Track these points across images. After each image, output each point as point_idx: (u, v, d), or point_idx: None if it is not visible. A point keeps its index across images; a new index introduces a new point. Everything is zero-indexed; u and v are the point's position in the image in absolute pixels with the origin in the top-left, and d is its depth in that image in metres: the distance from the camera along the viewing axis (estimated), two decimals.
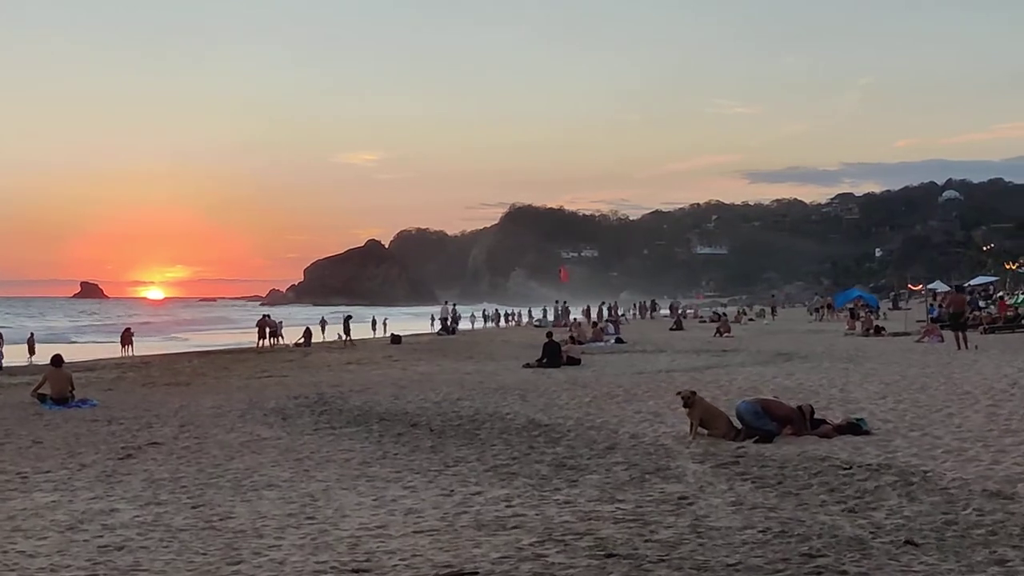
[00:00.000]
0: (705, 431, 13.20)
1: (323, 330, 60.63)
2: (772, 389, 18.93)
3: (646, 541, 7.79)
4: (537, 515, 8.83)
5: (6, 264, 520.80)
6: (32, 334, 48.76)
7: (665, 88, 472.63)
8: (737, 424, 13.10)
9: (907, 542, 7.59)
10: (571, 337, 32.72)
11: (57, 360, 21.90)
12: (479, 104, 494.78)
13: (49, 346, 43.54)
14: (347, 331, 50.48)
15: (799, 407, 13.50)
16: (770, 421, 12.88)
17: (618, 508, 9.02)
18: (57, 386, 20.72)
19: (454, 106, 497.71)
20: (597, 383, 21.74)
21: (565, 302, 77.37)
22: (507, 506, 9.26)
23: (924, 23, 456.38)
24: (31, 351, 43.54)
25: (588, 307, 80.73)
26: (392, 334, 55.51)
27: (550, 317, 75.73)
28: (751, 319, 72.41)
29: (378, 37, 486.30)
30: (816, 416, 13.45)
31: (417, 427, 15.27)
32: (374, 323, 73.55)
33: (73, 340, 66.52)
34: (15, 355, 39.40)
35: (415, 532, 8.34)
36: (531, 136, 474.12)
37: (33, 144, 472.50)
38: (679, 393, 13.94)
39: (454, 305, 72.98)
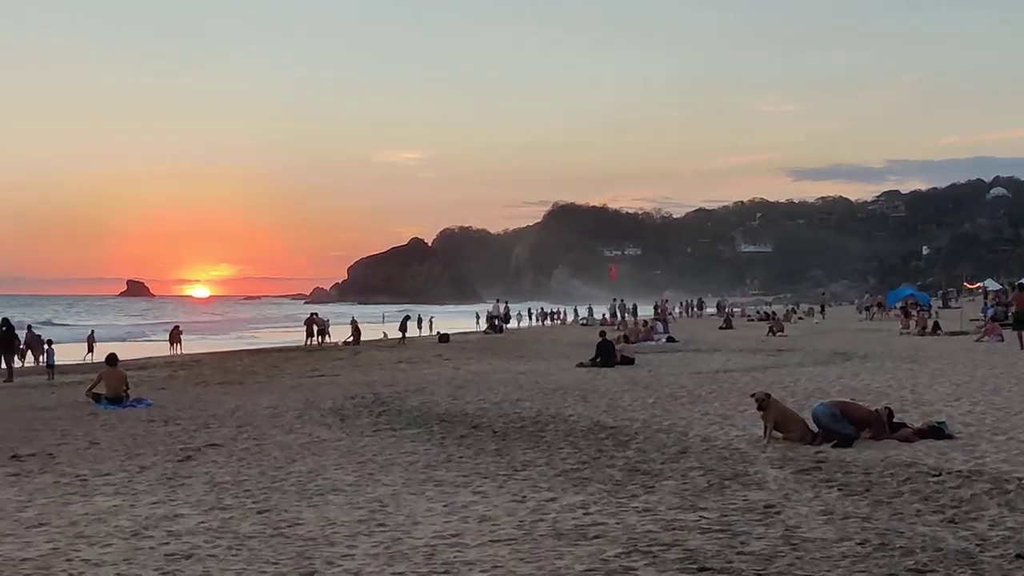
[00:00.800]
0: (780, 434, 12.75)
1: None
2: (839, 390, 18.46)
3: (738, 553, 7.38)
4: (617, 524, 8.45)
5: (53, 263, 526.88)
6: (93, 331, 48.92)
7: (706, 85, 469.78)
8: (813, 427, 12.63)
9: (1018, 556, 7.14)
10: (624, 336, 32.26)
11: (112, 359, 21.79)
12: (521, 102, 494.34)
13: (101, 345, 43.67)
14: (403, 328, 50.77)
15: (877, 410, 13.03)
16: (848, 424, 12.41)
17: (702, 517, 8.61)
18: (112, 385, 20.59)
19: (496, 105, 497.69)
20: (658, 384, 21.34)
21: (623, 300, 76.74)
22: (584, 513, 8.88)
23: (970, 19, 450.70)
24: (90, 349, 43.63)
25: (635, 305, 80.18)
26: (440, 332, 55.33)
27: (596, 316, 75.17)
28: (800, 317, 71.58)
29: (420, 37, 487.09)
30: (895, 419, 12.97)
31: (479, 429, 14.94)
32: (420, 321, 73.38)
33: (125, 339, 66.82)
34: (66, 354, 39.43)
35: (492, 541, 7.98)
36: (573, 134, 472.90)
37: (80, 145, 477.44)
38: (753, 395, 13.49)
39: (506, 303, 72.75)
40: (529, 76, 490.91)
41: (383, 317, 67.17)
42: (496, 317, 65.58)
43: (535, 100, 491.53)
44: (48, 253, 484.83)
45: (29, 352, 38.58)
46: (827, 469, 10.71)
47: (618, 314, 70.51)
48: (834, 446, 12.03)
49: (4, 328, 32.23)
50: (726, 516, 8.62)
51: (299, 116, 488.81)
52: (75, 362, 38.40)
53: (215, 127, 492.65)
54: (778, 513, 8.67)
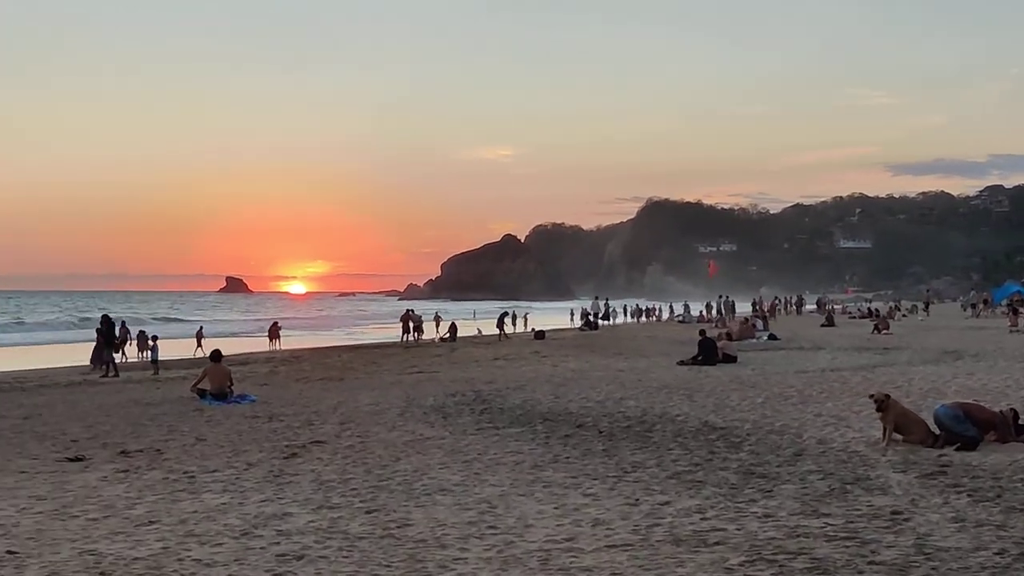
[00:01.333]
0: (899, 437, 12.28)
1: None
2: (956, 391, 17.86)
3: (870, 563, 7.03)
4: (738, 530, 8.13)
5: (155, 261, 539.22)
6: (202, 327, 49.87)
7: (802, 78, 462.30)
8: (934, 429, 12.14)
9: None
10: (726, 333, 31.72)
11: (216, 355, 22.02)
12: (614, 97, 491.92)
13: (207, 340, 44.33)
14: (500, 325, 51.07)
15: (1002, 411, 12.49)
16: (972, 426, 11.91)
17: (827, 524, 8.25)
18: (216, 381, 20.80)
19: (589, 100, 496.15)
20: (765, 383, 20.94)
21: (727, 296, 75.90)
22: (702, 518, 8.58)
23: None
24: (199, 344, 44.25)
25: (733, 302, 79.25)
26: (535, 329, 55.21)
27: (693, 312, 74.38)
28: (904, 315, 70.00)
29: (512, 32, 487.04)
30: (1020, 421, 12.42)
31: (584, 428, 14.71)
32: (515, 318, 73.30)
33: (232, 334, 67.86)
34: (173, 349, 40.09)
35: (608, 547, 7.73)
36: (666, 129, 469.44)
37: (177, 144, 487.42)
38: (871, 396, 13.03)
39: (606, 300, 72.43)
40: (624, 71, 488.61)
41: (473, 313, 67.32)
42: (595, 314, 65.65)
43: (629, 95, 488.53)
44: (150, 250, 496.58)
45: (131, 347, 39.36)
46: (953, 473, 10.27)
47: (722, 311, 69.68)
48: (958, 449, 11.56)
49: (103, 325, 32.88)
50: (852, 523, 8.26)
51: (392, 113, 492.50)
52: (179, 357, 39.01)
53: (311, 125, 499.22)
54: (907, 520, 8.29)
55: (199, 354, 41.58)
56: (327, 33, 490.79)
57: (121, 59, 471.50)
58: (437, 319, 60.47)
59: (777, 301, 78.22)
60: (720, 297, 74.78)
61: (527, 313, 77.77)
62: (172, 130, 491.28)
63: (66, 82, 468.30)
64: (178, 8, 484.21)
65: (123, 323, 41.80)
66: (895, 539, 7.67)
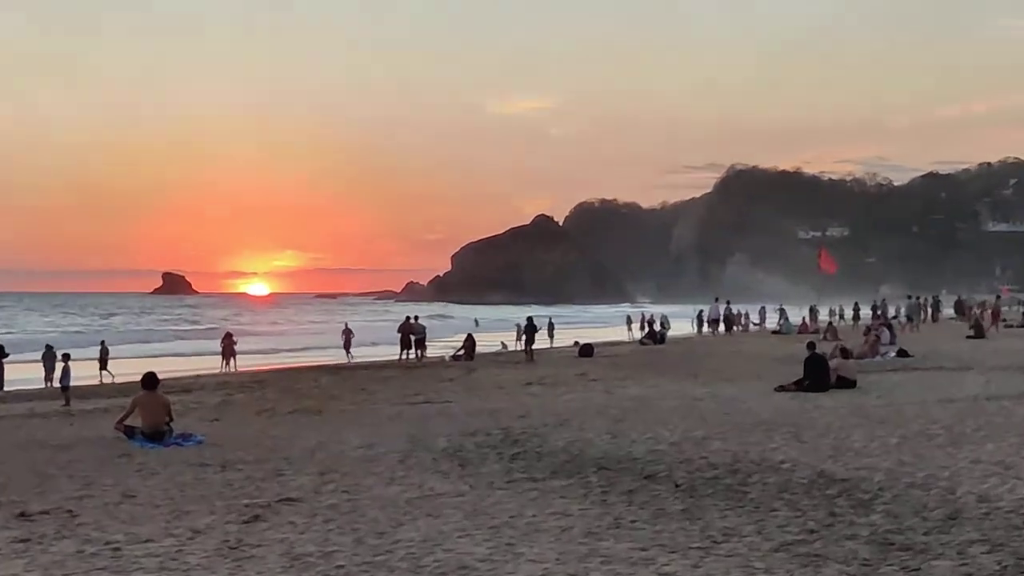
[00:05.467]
0: None
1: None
2: None
3: None
4: None
5: (68, 252, 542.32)
6: (104, 342, 48.59)
7: (937, 2, 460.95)
8: None
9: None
10: (842, 349, 31.27)
11: (150, 381, 21.82)
12: (681, 32, 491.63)
13: (125, 361, 44.30)
14: (522, 337, 50.38)
15: None
16: None
17: None
18: (150, 416, 20.67)
19: (648, 35, 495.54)
20: (898, 417, 20.75)
21: (884, 300, 76.44)
22: None
23: None
24: (103, 365, 43.98)
25: (857, 306, 79.30)
26: (579, 343, 55.03)
27: (794, 320, 74.24)
28: None
29: None
30: None
31: (655, 480, 14.55)
32: (551, 327, 73.25)
33: (158, 352, 68.06)
34: (84, 371, 40.10)
35: None
36: (753, 71, 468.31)
37: (93, 94, 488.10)
38: None
39: (728, 303, 73.01)
40: None
41: (474, 321, 67.96)
42: (716, 319, 70.37)
43: (700, 28, 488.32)
44: (56, 239, 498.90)
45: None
46: None
47: (882, 313, 70.10)
48: None
49: None
50: None
51: (389, 53, 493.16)
52: (94, 382, 39.01)
53: (277, 71, 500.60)
54: None
55: (106, 379, 41.58)
56: None
57: None
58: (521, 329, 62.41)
59: (921, 300, 77.59)
60: (881, 299, 75.67)
61: (549, 319, 77.55)
62: (85, 76, 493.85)
63: None
64: None
65: None
66: None
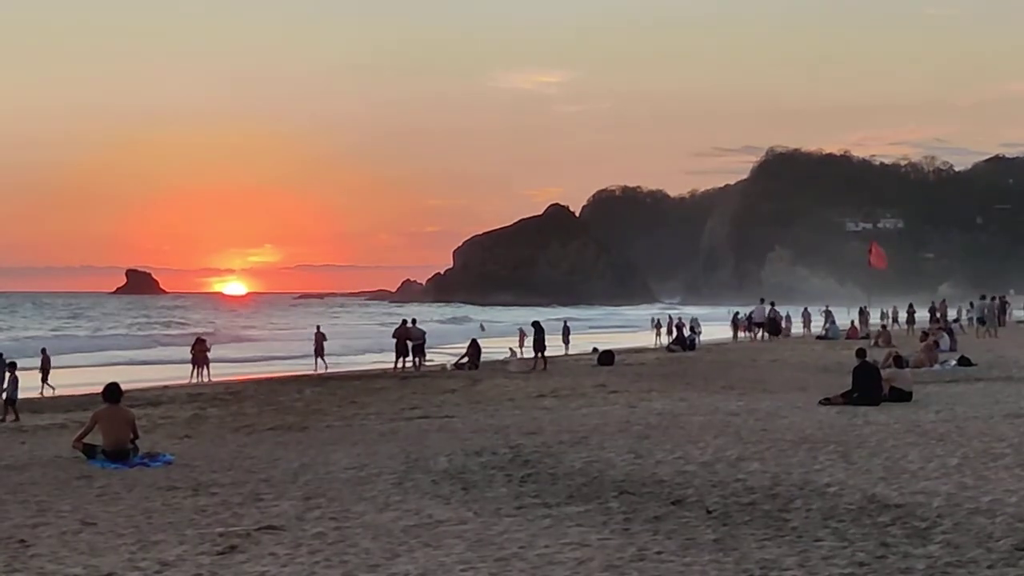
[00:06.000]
0: None
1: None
2: None
3: None
4: None
5: (25, 248, 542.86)
6: (44, 350, 47.20)
7: None
8: None
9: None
10: (896, 357, 31.22)
11: (112, 393, 21.83)
12: None
13: (80, 371, 44.23)
14: (536, 343, 50.10)
15: None
16: None
17: None
18: (113, 433, 20.68)
19: (674, 2, 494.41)
20: (959, 433, 20.79)
21: (943, 301, 76.59)
22: None
23: None
24: (44, 377, 43.55)
25: (912, 307, 79.18)
26: (599, 349, 55.06)
27: (842, 323, 74.34)
28: None
29: None
30: None
31: (683, 506, 14.61)
32: (567, 332, 73.31)
33: (119, 359, 68.06)
34: (29, 382, 40.07)
35: None
36: (793, 44, 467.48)
37: (59, 85, 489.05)
38: None
39: (772, 304, 73.05)
40: None
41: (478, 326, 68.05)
42: (758, 323, 70.48)
43: None
44: (9, 235, 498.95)
45: None
46: None
47: (941, 316, 70.39)
48: None
49: None
50: None
51: (382, 24, 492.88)
52: (55, 393, 39.02)
53: (257, 49, 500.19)
54: None
55: (47, 392, 41.48)
56: None
57: None
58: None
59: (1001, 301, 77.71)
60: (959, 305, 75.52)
61: (565, 323, 77.68)
62: (48, 58, 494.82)
63: None
64: None
65: None
66: None
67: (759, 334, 71.40)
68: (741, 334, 74.76)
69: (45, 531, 14.11)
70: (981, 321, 66.06)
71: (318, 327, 62.19)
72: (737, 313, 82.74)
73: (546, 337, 50.16)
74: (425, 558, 11.97)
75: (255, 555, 12.37)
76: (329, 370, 53.21)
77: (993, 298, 72.29)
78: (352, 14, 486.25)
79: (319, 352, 56.83)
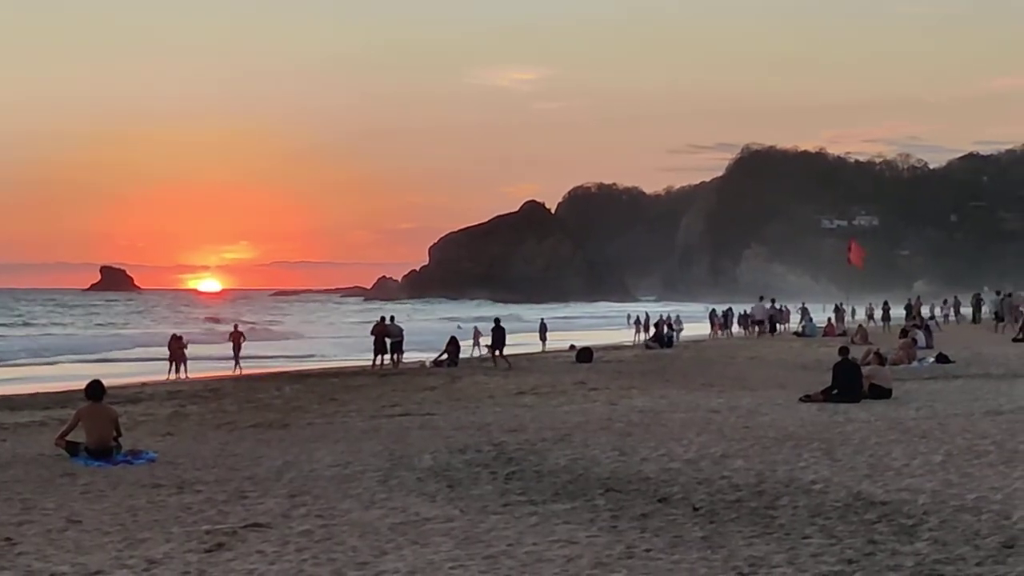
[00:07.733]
0: None
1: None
2: None
3: None
4: None
5: None
6: None
7: None
8: None
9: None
10: (875, 353, 31.28)
11: (95, 391, 21.73)
12: None
13: (53, 368, 44.13)
14: (495, 344, 49.53)
15: None
16: None
17: None
18: (96, 430, 20.56)
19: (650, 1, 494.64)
20: (941, 430, 20.84)
21: (918, 298, 76.92)
22: None
23: None
24: None
25: (886, 305, 79.43)
26: (576, 346, 55.13)
27: (818, 320, 74.55)
28: None
29: None
30: None
31: (670, 503, 14.61)
32: (544, 329, 73.38)
33: (91, 356, 67.84)
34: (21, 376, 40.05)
35: None
36: (769, 41, 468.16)
37: (32, 81, 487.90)
38: None
39: (772, 301, 73.86)
40: None
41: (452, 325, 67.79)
42: (761, 321, 71.37)
43: None
44: None
45: None
46: None
47: (917, 314, 70.65)
48: None
49: None
50: None
51: (358, 23, 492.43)
52: (33, 390, 38.86)
53: (227, 47, 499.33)
54: None
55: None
56: None
57: None
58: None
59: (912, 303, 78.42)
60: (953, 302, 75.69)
61: (542, 320, 77.63)
62: (22, 56, 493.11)
63: None
64: None
65: None
66: None
67: (757, 331, 71.93)
68: (740, 331, 75.20)
69: (31, 529, 14.03)
70: (999, 316, 65.88)
71: (236, 326, 61.23)
72: (714, 310, 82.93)
73: (507, 336, 50.06)
74: (413, 556, 11.93)
75: (242, 553, 12.31)
76: (242, 371, 52.28)
77: (1008, 294, 72.21)
78: (329, 11, 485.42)
79: (236, 351, 55.11)
